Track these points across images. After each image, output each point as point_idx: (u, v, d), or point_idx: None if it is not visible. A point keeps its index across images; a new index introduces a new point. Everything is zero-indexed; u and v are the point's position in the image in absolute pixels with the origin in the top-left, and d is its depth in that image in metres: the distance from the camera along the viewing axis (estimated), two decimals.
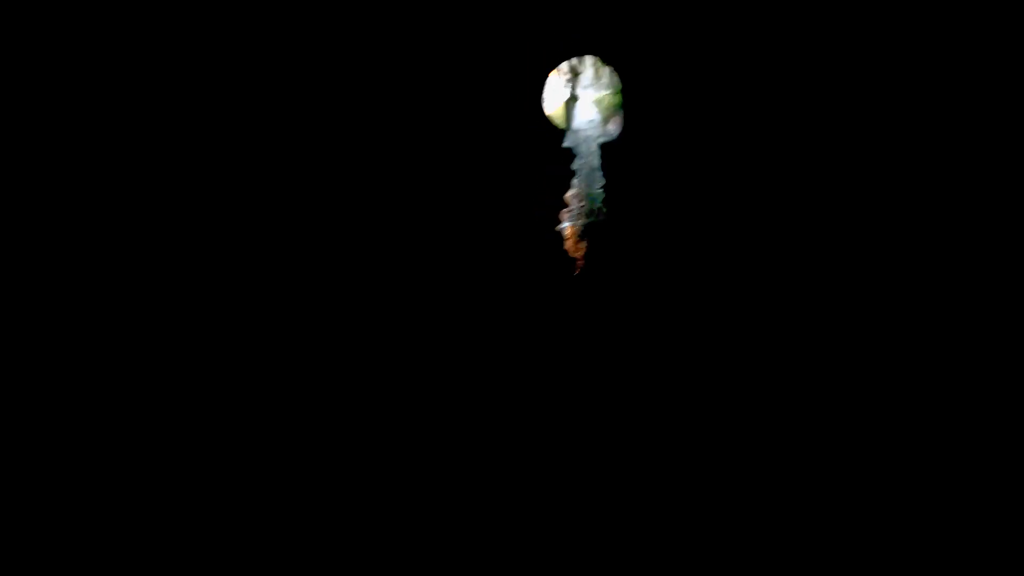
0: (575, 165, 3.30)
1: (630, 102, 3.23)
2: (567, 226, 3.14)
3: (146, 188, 2.77)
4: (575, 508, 2.52)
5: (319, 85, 2.99)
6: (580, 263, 3.05)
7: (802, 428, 2.78)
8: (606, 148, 3.22)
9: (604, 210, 3.05)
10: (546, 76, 3.32)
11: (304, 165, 2.94)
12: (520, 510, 2.50)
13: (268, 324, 2.84)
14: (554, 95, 3.46)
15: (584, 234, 3.18)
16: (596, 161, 3.17)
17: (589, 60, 3.49)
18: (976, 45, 2.75)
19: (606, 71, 3.49)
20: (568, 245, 3.10)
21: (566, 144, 3.24)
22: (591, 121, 3.37)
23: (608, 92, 3.49)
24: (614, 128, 3.36)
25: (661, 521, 2.48)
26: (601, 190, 3.16)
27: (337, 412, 2.80)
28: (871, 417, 2.75)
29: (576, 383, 2.94)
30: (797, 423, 2.79)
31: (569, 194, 3.27)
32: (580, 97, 3.48)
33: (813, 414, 2.79)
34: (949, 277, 2.80)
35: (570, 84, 3.47)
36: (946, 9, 2.76)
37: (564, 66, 3.45)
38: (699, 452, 2.76)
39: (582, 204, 3.17)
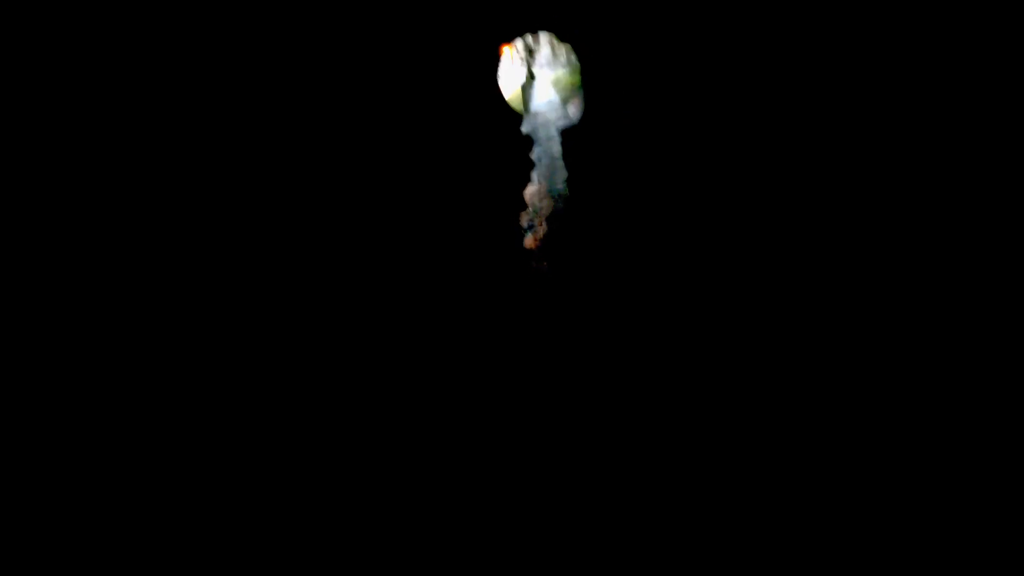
0: (534, 155, 3.05)
1: (590, 82, 2.99)
2: (528, 231, 2.90)
3: (142, 188, 2.78)
4: (566, 504, 2.53)
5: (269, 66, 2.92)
6: (543, 263, 2.82)
7: (792, 421, 2.74)
8: (567, 135, 2.98)
9: (564, 207, 2.82)
10: (499, 55, 3.05)
11: (263, 162, 2.90)
12: (512, 506, 2.51)
13: (251, 321, 2.82)
14: (510, 75, 3.17)
15: (547, 232, 2.95)
16: (557, 149, 2.93)
17: (544, 37, 3.21)
18: (969, 45, 2.72)
19: (563, 49, 3.22)
20: (529, 243, 2.87)
21: (524, 129, 2.99)
22: (550, 103, 3.11)
23: (566, 71, 3.22)
24: (574, 111, 3.11)
25: (655, 517, 2.48)
26: (563, 184, 2.93)
27: (327, 409, 2.78)
28: (864, 412, 2.71)
29: (548, 380, 2.85)
30: (785, 415, 2.75)
31: (529, 191, 3.01)
32: (537, 77, 3.21)
33: (803, 406, 2.75)
34: (943, 269, 2.76)
35: (526, 63, 3.19)
36: (936, 9, 2.73)
37: (518, 43, 3.17)
38: (683, 444, 2.72)
39: (543, 201, 2.93)
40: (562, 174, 2.74)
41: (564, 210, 2.74)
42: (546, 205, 2.79)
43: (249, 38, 2.88)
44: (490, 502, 2.55)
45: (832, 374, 2.78)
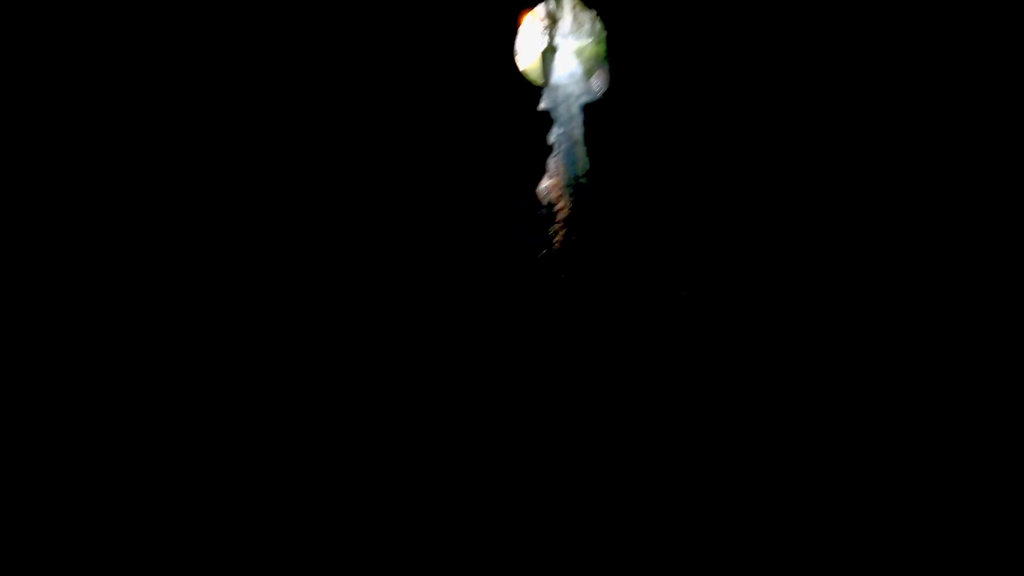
0: (554, 137, 2.76)
1: (616, 54, 2.69)
2: (553, 221, 2.66)
3: (144, 188, 2.76)
4: (565, 504, 2.48)
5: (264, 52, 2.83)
6: (559, 273, 2.59)
7: (790, 420, 2.68)
8: (589, 111, 2.68)
9: (582, 204, 2.56)
10: (518, 23, 2.75)
11: (262, 149, 2.85)
12: (512, 505, 2.47)
13: (248, 320, 2.78)
14: (530, 45, 2.86)
15: (567, 219, 2.70)
16: (578, 131, 2.64)
17: (568, 3, 2.89)
18: (963, 45, 2.67)
19: (587, 16, 2.90)
20: (546, 248, 2.62)
21: (544, 105, 2.70)
22: (572, 75, 2.80)
23: (590, 41, 2.90)
24: (598, 84, 2.81)
25: (655, 517, 2.44)
26: (583, 175, 2.66)
27: (327, 407, 2.75)
28: (863, 413, 2.66)
29: (564, 374, 2.75)
30: (785, 414, 2.69)
31: (544, 184, 2.75)
32: (559, 47, 2.89)
33: (802, 405, 2.70)
34: (943, 269, 2.69)
35: (548, 32, 2.87)
36: (935, 8, 2.66)
37: (540, 9, 2.86)
38: (686, 442, 2.66)
39: (559, 199, 2.66)
40: (583, 163, 2.46)
41: (581, 210, 2.48)
42: (563, 203, 2.53)
43: (248, 28, 2.81)
44: (491, 502, 2.53)
45: (834, 374, 2.71)
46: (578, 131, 2.51)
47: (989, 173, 2.65)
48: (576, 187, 2.51)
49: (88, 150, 2.68)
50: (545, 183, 2.54)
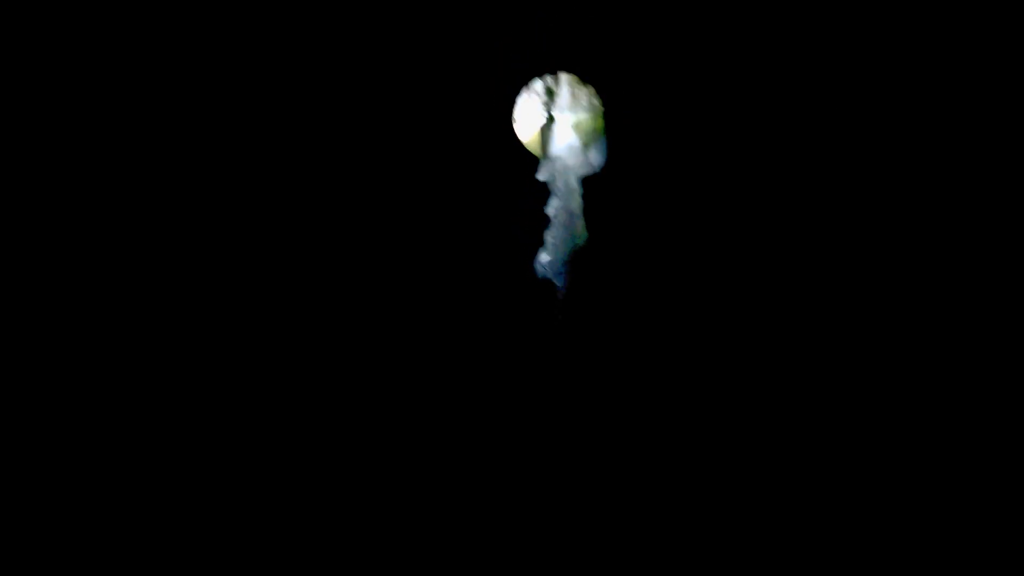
0: (551, 209, 2.73)
1: (613, 128, 2.71)
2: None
3: (136, 189, 2.90)
4: (569, 510, 2.64)
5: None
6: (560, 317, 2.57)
7: (796, 433, 2.78)
8: (588, 184, 2.67)
9: (584, 262, 2.52)
10: (516, 97, 2.78)
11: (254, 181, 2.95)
12: (514, 511, 2.63)
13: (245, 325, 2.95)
14: (529, 118, 2.90)
15: (565, 291, 2.65)
16: (576, 203, 2.61)
17: (565, 79, 2.94)
18: (973, 45, 2.75)
19: (584, 92, 2.95)
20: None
21: (541, 176, 2.68)
22: (570, 147, 2.82)
23: (587, 115, 2.94)
24: (596, 158, 2.81)
25: (656, 523, 2.59)
26: (583, 238, 2.60)
27: (325, 414, 2.91)
28: (869, 421, 2.76)
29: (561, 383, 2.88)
30: (791, 429, 2.78)
31: (543, 256, 2.71)
32: (557, 120, 2.93)
33: (808, 421, 2.79)
34: (950, 278, 2.80)
35: (546, 105, 2.92)
36: (944, 9, 2.75)
37: (537, 85, 2.90)
38: (691, 457, 2.77)
39: (559, 262, 2.60)
40: (581, 234, 2.42)
41: (580, 280, 2.44)
42: (560, 275, 2.49)
43: (247, 39, 2.90)
44: (493, 502, 2.65)
45: (836, 376, 2.82)
46: (576, 203, 2.46)
47: (989, 173, 2.77)
48: (574, 258, 2.46)
49: (88, 150, 2.82)
50: (543, 256, 2.50)
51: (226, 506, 2.76)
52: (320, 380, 2.89)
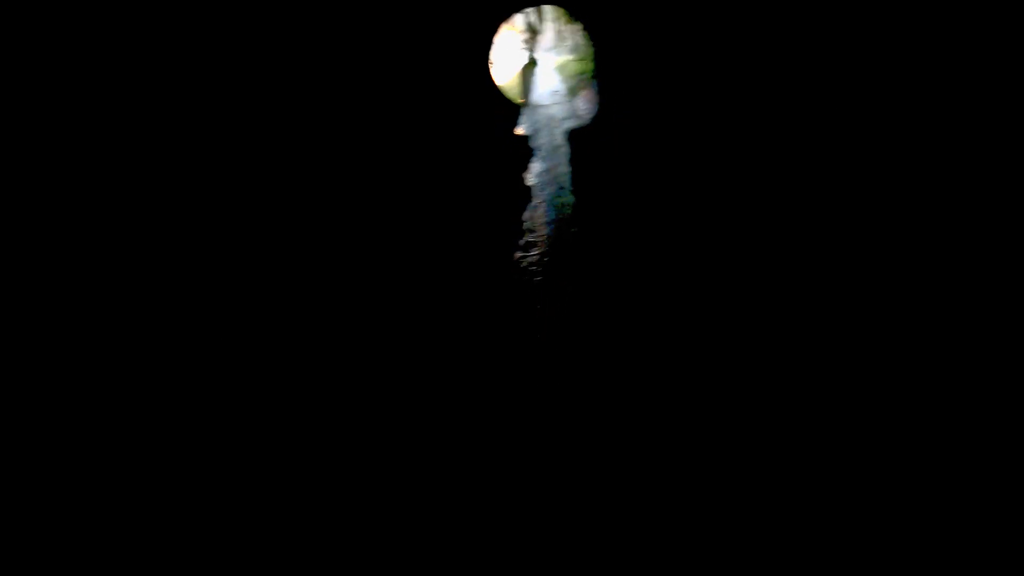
0: (534, 171, 2.30)
1: (605, 71, 2.27)
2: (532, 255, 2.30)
3: (139, 188, 2.73)
4: (568, 506, 2.41)
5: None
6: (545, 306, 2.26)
7: (794, 424, 2.59)
8: (575, 138, 2.24)
9: (566, 235, 2.15)
10: (494, 34, 2.31)
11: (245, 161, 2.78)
12: (513, 509, 2.39)
13: (245, 321, 2.78)
14: (507, 59, 2.43)
15: (547, 269, 2.29)
16: (562, 163, 2.18)
17: (550, 12, 2.46)
18: (967, 46, 2.60)
19: (572, 29, 2.47)
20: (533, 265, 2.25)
21: (522, 129, 2.25)
22: (554, 93, 2.36)
23: (575, 57, 2.47)
24: (585, 105, 2.37)
25: (657, 519, 2.36)
26: (569, 199, 2.19)
27: (325, 409, 2.69)
28: (866, 415, 2.57)
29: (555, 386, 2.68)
30: (788, 418, 2.60)
31: (529, 215, 2.32)
32: (540, 62, 2.46)
33: (805, 409, 2.61)
34: (945, 271, 2.64)
35: (527, 45, 2.44)
36: (939, 9, 2.59)
37: (518, 20, 2.42)
38: (687, 447, 2.59)
39: (545, 227, 2.21)
40: (566, 197, 2.00)
41: (564, 240, 2.07)
42: (543, 234, 2.09)
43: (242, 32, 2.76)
44: (493, 502, 2.45)
45: (835, 375, 2.65)
46: (561, 162, 2.03)
47: (989, 173, 2.61)
48: (559, 228, 2.06)
49: (88, 150, 2.65)
50: (530, 215, 2.12)
51: (222, 503, 2.56)
52: (312, 366, 2.70)
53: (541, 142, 2.46)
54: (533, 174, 2.23)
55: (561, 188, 2.15)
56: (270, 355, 2.74)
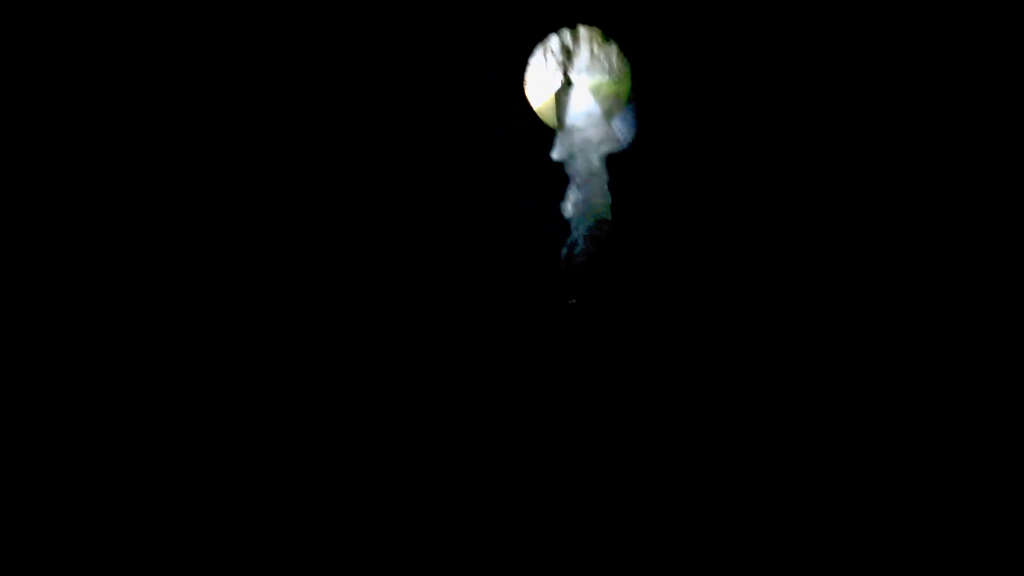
0: (570, 201, 2.21)
1: (642, 94, 2.19)
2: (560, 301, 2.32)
3: (139, 188, 2.77)
4: (572, 508, 2.48)
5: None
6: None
7: (802, 429, 2.66)
8: (613, 163, 2.16)
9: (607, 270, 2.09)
10: (529, 56, 2.27)
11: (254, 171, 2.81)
12: (516, 510, 2.48)
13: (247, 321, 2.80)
14: (541, 82, 2.41)
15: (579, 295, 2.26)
16: (600, 190, 2.09)
17: (585, 34, 2.44)
18: (976, 45, 2.60)
19: (607, 49, 2.44)
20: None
21: (556, 155, 2.18)
22: (589, 116, 2.32)
23: (609, 79, 2.44)
24: (623, 129, 2.30)
25: (659, 521, 2.45)
26: (606, 229, 2.11)
27: (328, 410, 2.75)
28: (871, 417, 2.64)
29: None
30: (798, 425, 2.66)
31: (566, 249, 2.27)
32: (575, 84, 2.44)
33: (814, 418, 2.67)
34: (950, 277, 2.64)
35: (562, 67, 2.42)
36: (946, 9, 2.57)
37: (553, 42, 2.39)
38: (698, 454, 2.64)
39: (580, 261, 2.12)
40: (605, 233, 1.92)
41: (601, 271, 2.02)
42: (582, 261, 2.01)
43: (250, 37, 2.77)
44: (491, 502, 2.51)
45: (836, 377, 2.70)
46: (599, 189, 1.95)
47: (989, 174, 2.64)
48: (596, 258, 1.98)
49: (88, 150, 2.69)
50: (567, 255, 2.06)
51: (222, 502, 2.68)
52: (319, 363, 2.72)
53: (576, 167, 2.38)
54: (569, 204, 2.13)
55: (592, 205, 2.05)
56: (272, 355, 2.73)
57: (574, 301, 2.41)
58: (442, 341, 2.74)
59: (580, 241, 2.06)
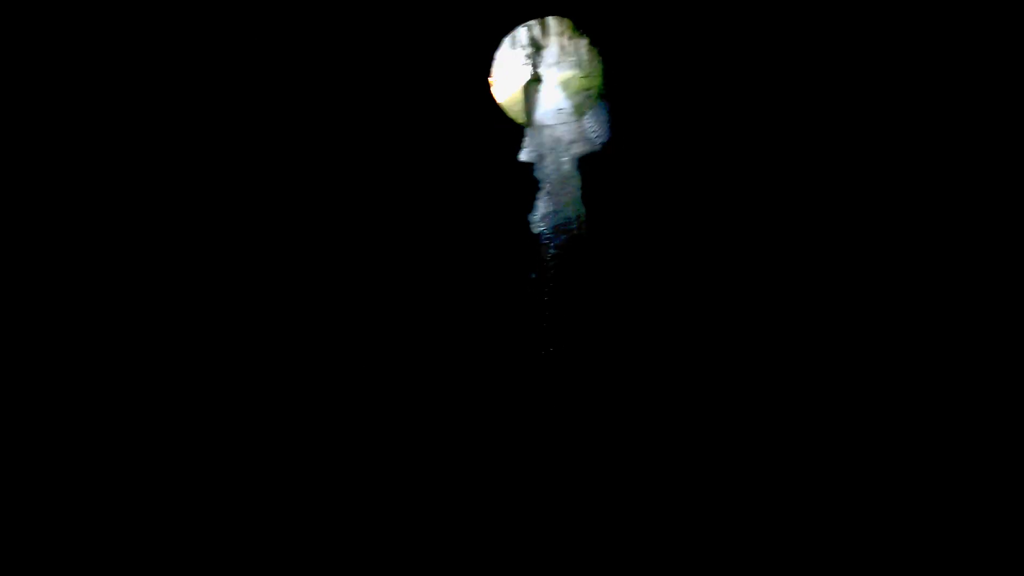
0: (540, 210, 2.01)
1: (617, 90, 2.02)
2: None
3: (139, 189, 2.59)
4: (570, 507, 2.27)
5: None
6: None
7: (797, 426, 2.45)
8: (585, 166, 1.98)
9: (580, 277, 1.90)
10: (495, 49, 2.07)
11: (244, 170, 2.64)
12: (515, 509, 2.25)
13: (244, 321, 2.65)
14: (508, 76, 2.18)
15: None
16: (572, 198, 1.88)
17: (555, 25, 2.21)
18: (975, 45, 2.42)
19: (579, 44, 2.23)
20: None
21: (525, 155, 1.99)
22: (560, 111, 2.10)
23: (579, 73, 2.23)
24: (596, 129, 2.12)
25: (658, 519, 2.22)
26: (578, 239, 1.93)
27: (326, 409, 2.57)
28: (868, 415, 2.43)
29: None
30: (791, 421, 2.46)
31: (537, 270, 2.05)
32: (544, 78, 2.21)
33: (808, 412, 2.47)
34: (947, 275, 2.49)
35: (531, 60, 2.20)
36: (944, 9, 2.41)
37: (521, 34, 2.17)
38: (691, 451, 2.43)
39: (552, 261, 1.92)
40: (577, 237, 1.72)
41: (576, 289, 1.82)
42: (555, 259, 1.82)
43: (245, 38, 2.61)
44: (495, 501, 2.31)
45: (836, 375, 2.52)
46: (571, 197, 1.75)
47: (989, 173, 2.48)
48: (565, 257, 1.73)
49: (88, 150, 2.49)
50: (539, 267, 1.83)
51: (222, 502, 2.45)
52: (319, 370, 2.65)
53: (546, 169, 2.15)
54: (539, 216, 1.84)
55: (571, 230, 1.74)
56: (274, 356, 2.64)
57: (534, 276, 2.17)
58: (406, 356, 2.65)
59: (550, 258, 1.81)
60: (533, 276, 2.22)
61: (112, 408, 2.51)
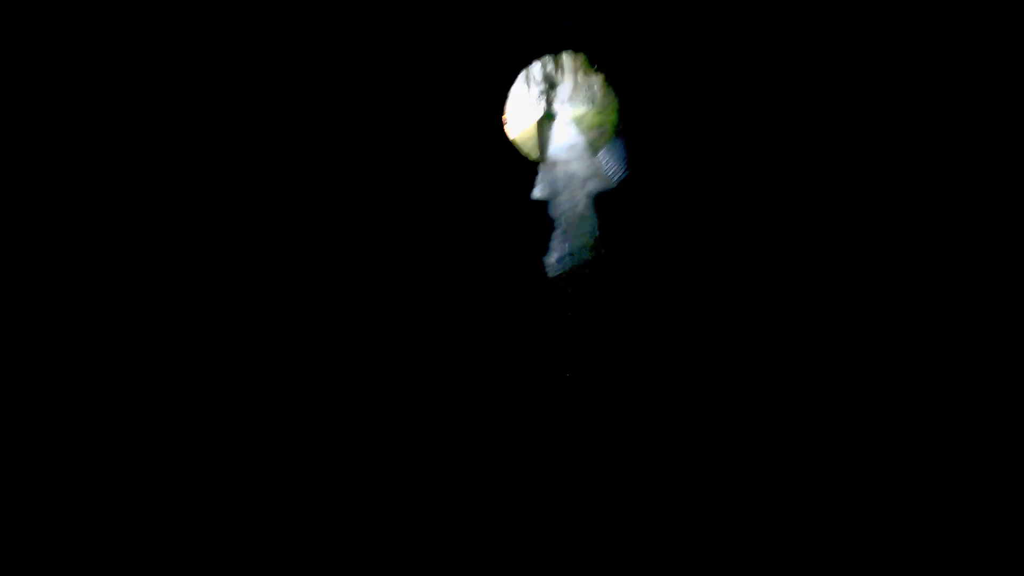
0: (555, 242, 1.95)
1: (630, 125, 1.98)
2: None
3: (139, 189, 2.63)
4: (570, 507, 2.32)
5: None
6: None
7: (800, 428, 2.51)
8: (601, 204, 1.93)
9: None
10: (511, 84, 2.05)
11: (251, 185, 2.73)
12: (515, 509, 2.30)
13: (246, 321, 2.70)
14: (523, 111, 2.14)
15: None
16: (587, 228, 1.83)
17: (569, 61, 2.19)
18: (974, 45, 2.49)
19: (592, 79, 2.20)
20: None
21: (539, 192, 1.94)
22: (573, 148, 2.06)
23: (593, 109, 2.19)
24: (611, 166, 2.07)
25: (658, 519, 2.28)
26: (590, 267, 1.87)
27: (328, 410, 2.61)
28: (869, 416, 2.50)
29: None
30: (796, 424, 2.52)
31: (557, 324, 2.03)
32: (559, 115, 2.17)
33: (813, 417, 2.54)
34: (946, 273, 2.51)
35: (544, 96, 2.18)
36: (944, 9, 2.45)
37: (535, 70, 2.16)
38: (694, 453, 2.48)
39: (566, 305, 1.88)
40: (590, 268, 1.65)
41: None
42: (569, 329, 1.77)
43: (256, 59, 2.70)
44: (495, 501, 2.35)
45: (836, 376, 2.58)
46: (587, 227, 1.69)
47: (989, 173, 2.51)
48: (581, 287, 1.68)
49: (87, 150, 2.54)
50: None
51: (223, 502, 2.51)
52: (319, 376, 2.70)
53: (561, 206, 2.07)
54: (554, 258, 1.73)
55: (578, 249, 1.63)
56: (277, 356, 2.66)
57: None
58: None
59: (567, 304, 1.72)
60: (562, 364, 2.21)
61: (112, 408, 2.53)
